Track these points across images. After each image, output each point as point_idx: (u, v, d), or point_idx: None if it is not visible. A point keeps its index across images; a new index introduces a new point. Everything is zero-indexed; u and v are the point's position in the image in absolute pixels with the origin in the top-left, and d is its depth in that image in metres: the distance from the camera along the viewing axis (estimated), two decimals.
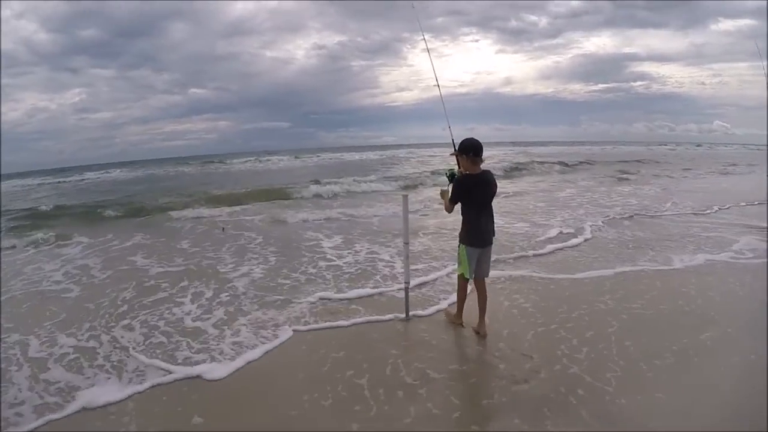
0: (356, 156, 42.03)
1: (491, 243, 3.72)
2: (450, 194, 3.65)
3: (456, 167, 3.76)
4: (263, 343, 3.89)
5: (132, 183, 25.25)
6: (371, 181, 16.10)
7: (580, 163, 24.36)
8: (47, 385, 3.39)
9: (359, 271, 5.78)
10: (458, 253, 3.75)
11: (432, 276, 5.41)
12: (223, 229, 8.56)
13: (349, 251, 6.76)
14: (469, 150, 3.54)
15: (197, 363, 3.60)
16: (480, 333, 3.80)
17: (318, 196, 13.67)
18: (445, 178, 3.79)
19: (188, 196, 13.74)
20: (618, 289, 4.81)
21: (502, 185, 6.90)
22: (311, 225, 9.13)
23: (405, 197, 4.08)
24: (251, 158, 42.39)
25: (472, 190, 3.56)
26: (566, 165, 22.71)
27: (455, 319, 4.09)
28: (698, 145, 57.42)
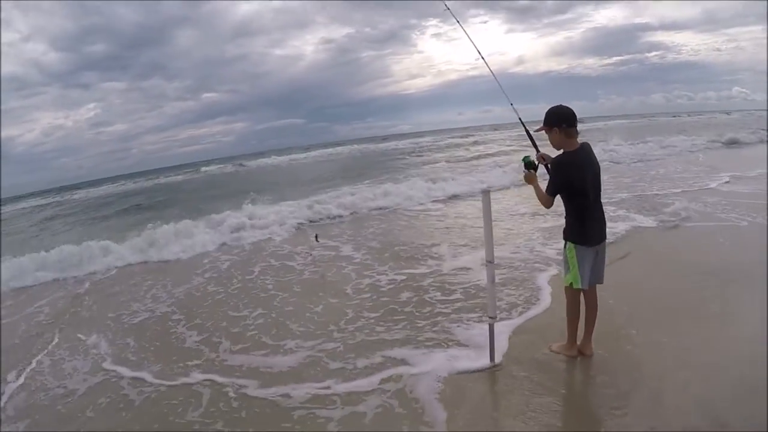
0: (378, 146, 40.37)
1: (606, 237, 2.89)
2: (549, 183, 2.81)
3: (532, 154, 3.06)
4: None
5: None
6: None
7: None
8: None
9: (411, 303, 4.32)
10: (565, 257, 2.89)
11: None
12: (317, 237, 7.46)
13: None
14: (562, 120, 2.72)
15: None
16: (585, 353, 3.01)
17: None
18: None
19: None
20: None
21: None
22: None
23: (486, 193, 2.82)
24: (281, 156, 41.45)
25: (576, 173, 2.73)
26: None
27: (567, 349, 3.05)
28: (727, 114, 47.03)
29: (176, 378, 3.41)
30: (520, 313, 3.76)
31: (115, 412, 3.09)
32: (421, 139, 42.68)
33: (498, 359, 3.03)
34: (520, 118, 3.24)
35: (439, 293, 4.41)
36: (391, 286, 4.79)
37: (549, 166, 2.86)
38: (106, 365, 3.79)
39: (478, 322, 3.63)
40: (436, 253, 5.74)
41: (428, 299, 4.29)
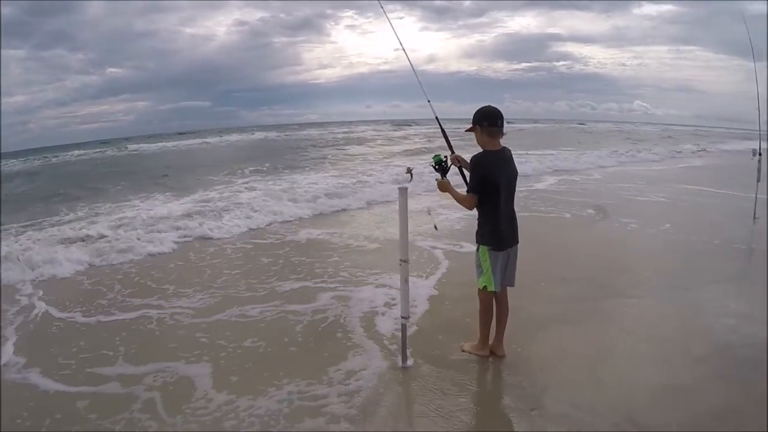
0: (281, 135, 38.18)
1: (518, 241, 2.91)
2: (470, 182, 2.78)
3: (443, 154, 2.92)
4: None
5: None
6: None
7: None
8: None
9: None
10: (478, 260, 2.88)
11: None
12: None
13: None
14: (485, 118, 2.72)
15: None
16: (498, 354, 3.04)
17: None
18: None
19: None
20: None
21: None
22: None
23: (403, 191, 2.70)
24: (182, 139, 37.19)
25: (496, 171, 2.72)
26: None
27: (479, 349, 3.06)
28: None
29: None
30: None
31: None
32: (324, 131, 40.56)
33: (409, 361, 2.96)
34: (437, 117, 3.15)
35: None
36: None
37: (467, 166, 2.82)
38: None
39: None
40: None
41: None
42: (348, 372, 2.91)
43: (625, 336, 3.30)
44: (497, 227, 2.78)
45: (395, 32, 3.31)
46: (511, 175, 2.83)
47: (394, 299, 3.92)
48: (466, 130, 2.81)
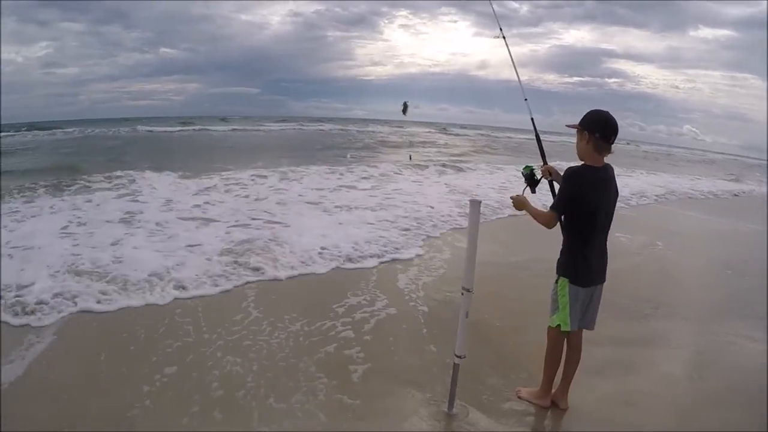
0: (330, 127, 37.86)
1: (605, 279, 2.44)
2: (557, 197, 2.34)
3: (535, 165, 2.59)
4: None
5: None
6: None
7: None
8: None
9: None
10: (554, 293, 2.42)
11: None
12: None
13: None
14: (598, 128, 2.23)
15: None
16: (560, 406, 2.55)
17: None
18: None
19: None
20: None
21: None
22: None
23: (475, 204, 2.18)
24: (234, 124, 36.46)
25: (592, 191, 2.25)
26: None
27: (538, 397, 2.57)
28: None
29: None
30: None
31: None
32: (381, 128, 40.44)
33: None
34: (532, 118, 2.83)
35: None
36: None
37: (560, 178, 2.41)
38: None
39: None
40: None
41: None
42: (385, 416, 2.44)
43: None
44: (585, 259, 2.31)
45: (495, 13, 3.02)
46: (611, 198, 2.37)
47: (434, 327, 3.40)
48: (569, 125, 2.35)
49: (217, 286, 4.01)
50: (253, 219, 6.17)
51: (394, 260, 4.90)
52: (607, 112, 2.27)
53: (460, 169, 12.68)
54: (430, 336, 3.29)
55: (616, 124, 2.25)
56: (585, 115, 2.28)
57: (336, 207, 7.10)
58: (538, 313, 2.86)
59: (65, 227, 5.51)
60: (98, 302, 3.58)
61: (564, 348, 2.48)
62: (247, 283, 4.13)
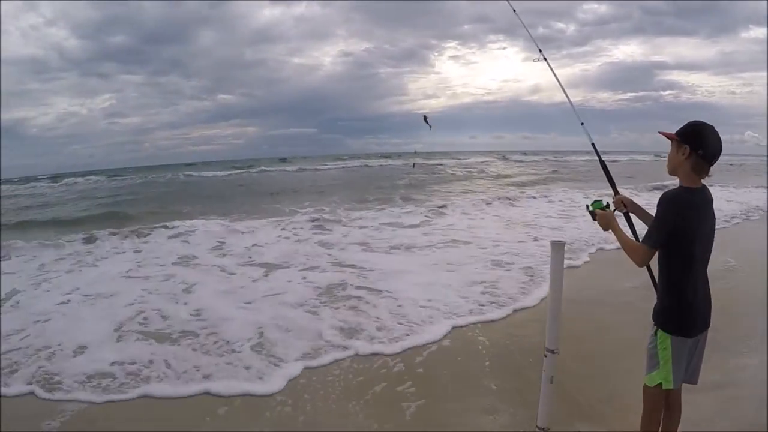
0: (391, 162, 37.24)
1: (710, 324, 2.01)
2: (651, 228, 1.89)
3: (604, 200, 2.17)
4: None
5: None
6: None
7: None
8: None
9: None
10: (653, 347, 1.99)
11: None
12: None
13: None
14: (702, 146, 1.82)
15: None
16: None
17: None
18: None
19: None
20: None
21: None
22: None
23: (558, 245, 1.85)
24: (302, 165, 37.13)
25: (694, 221, 1.84)
26: None
27: None
28: None
29: None
30: None
31: None
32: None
33: None
34: (592, 142, 2.52)
35: None
36: None
37: (639, 211, 2.11)
38: None
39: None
40: None
41: None
42: None
43: None
44: (690, 303, 1.89)
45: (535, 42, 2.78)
46: (712, 226, 1.94)
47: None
48: (662, 132, 1.97)
49: None
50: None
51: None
52: (713, 127, 1.87)
53: (546, 197, 11.98)
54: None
55: (721, 144, 1.85)
56: (686, 126, 1.89)
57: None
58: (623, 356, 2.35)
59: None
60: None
61: (662, 407, 2.03)
62: None
